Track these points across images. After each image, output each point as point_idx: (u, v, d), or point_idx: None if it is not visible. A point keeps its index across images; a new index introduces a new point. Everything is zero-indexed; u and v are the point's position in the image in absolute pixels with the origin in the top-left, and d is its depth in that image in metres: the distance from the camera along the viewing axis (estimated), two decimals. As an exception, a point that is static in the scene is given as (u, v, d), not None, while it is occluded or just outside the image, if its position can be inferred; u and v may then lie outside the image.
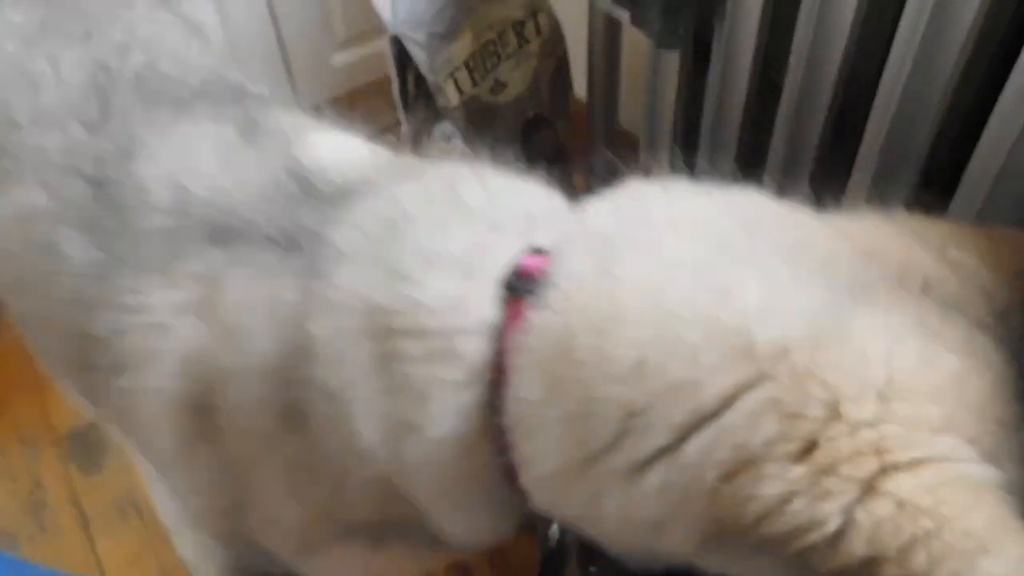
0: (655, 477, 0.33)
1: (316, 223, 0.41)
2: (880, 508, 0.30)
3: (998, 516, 0.30)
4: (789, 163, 0.68)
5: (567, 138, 1.04)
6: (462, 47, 0.90)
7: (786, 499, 0.31)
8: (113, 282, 0.44)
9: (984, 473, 0.30)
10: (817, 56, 0.62)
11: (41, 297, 0.49)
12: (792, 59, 0.64)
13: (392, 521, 0.44)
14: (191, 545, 0.59)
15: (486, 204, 0.41)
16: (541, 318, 0.36)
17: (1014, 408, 0.33)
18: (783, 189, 0.40)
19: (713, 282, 0.34)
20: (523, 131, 0.98)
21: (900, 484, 0.30)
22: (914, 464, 0.30)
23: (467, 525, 0.43)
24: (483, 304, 0.37)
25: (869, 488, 0.30)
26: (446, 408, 0.37)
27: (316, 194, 0.43)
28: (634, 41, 0.89)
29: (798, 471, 0.31)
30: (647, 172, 0.41)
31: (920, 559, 0.29)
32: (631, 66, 0.94)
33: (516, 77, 0.95)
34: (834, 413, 0.31)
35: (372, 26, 1.05)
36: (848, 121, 0.64)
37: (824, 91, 0.63)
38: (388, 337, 0.38)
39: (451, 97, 0.90)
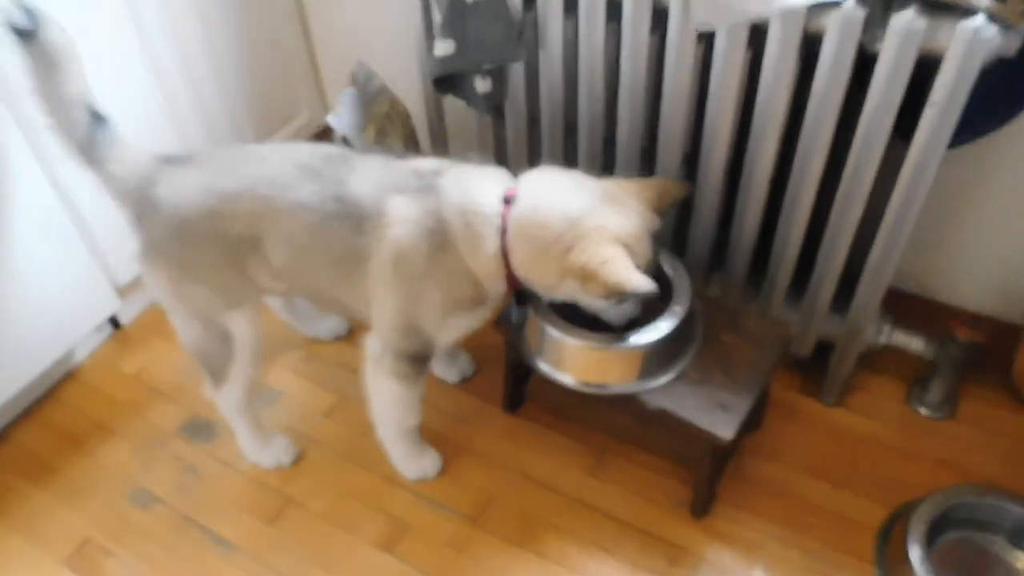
0: (554, 262, 1.18)
1: (431, 182, 1.20)
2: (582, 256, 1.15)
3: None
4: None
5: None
6: (370, 133, 1.68)
7: (572, 260, 1.16)
8: (360, 225, 1.20)
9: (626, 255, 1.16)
10: (555, 101, 1.52)
11: (324, 254, 1.22)
12: (544, 112, 1.54)
13: (473, 295, 1.25)
14: (379, 348, 1.32)
15: (482, 171, 1.24)
16: (515, 209, 1.20)
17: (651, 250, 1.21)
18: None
19: (564, 199, 1.20)
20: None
21: (590, 251, 1.15)
22: (599, 246, 1.15)
23: (498, 289, 1.25)
24: (497, 205, 1.20)
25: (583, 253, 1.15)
26: (490, 240, 1.19)
27: (423, 176, 1.23)
28: (452, 110, 1.74)
29: (574, 253, 1.14)
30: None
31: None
32: (450, 128, 1.79)
33: (395, 140, 1.75)
34: (583, 236, 1.15)
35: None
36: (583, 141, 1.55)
37: (557, 122, 1.53)
38: (469, 216, 1.19)
39: (370, 161, 1.69)
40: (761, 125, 1.28)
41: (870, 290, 1.38)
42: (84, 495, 1.55)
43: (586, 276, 1.14)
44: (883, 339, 1.48)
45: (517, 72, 1.47)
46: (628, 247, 1.14)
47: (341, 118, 1.59)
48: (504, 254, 1.19)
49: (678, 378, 1.31)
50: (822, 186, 1.32)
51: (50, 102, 1.15)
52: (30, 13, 1.09)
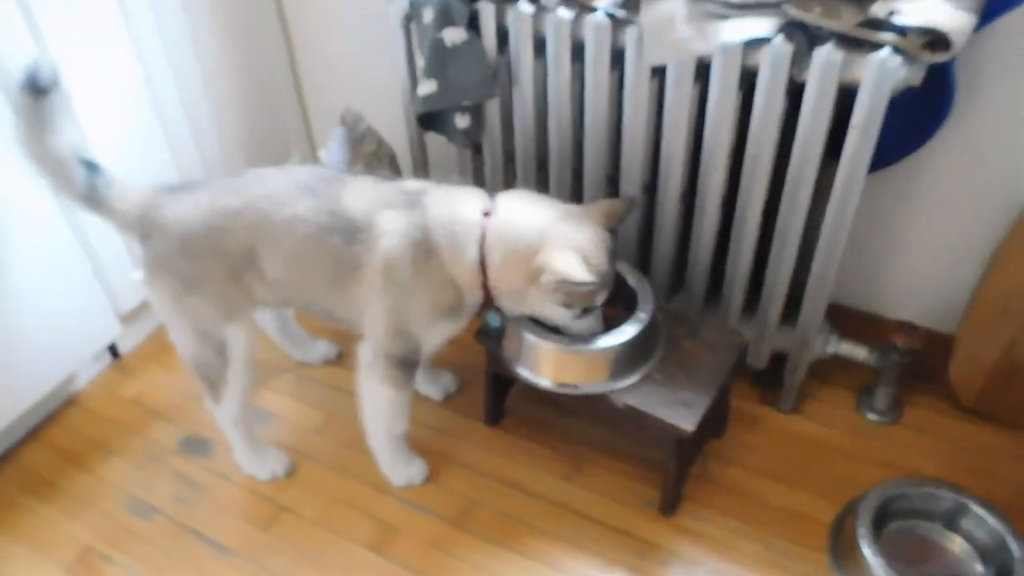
0: (523, 267, 1.32)
1: (417, 199, 1.34)
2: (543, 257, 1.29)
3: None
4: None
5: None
6: (358, 170, 1.83)
7: (535, 263, 1.29)
8: (353, 237, 1.32)
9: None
10: (527, 135, 1.68)
11: (318, 264, 1.34)
12: (517, 145, 1.70)
13: (453, 302, 1.37)
14: (372, 354, 1.43)
15: (463, 190, 1.38)
16: (493, 222, 1.33)
17: (608, 260, 1.34)
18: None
19: (534, 214, 1.34)
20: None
21: (550, 253, 1.29)
22: (557, 249, 1.28)
23: (475, 298, 1.38)
24: (477, 219, 1.33)
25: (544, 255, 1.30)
26: (470, 250, 1.32)
27: (410, 194, 1.36)
28: (434, 150, 1.89)
29: (538, 257, 1.28)
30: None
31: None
32: (433, 166, 1.95)
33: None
34: (546, 243, 1.28)
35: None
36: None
37: (531, 154, 1.69)
38: (452, 227, 1.32)
39: (359, 194, 1.83)
40: (710, 153, 1.44)
41: (814, 304, 1.53)
42: (85, 507, 1.63)
43: (542, 272, 1.28)
44: (831, 349, 1.62)
45: (493, 109, 1.63)
46: (583, 254, 1.29)
47: (332, 154, 1.74)
48: (482, 264, 1.33)
49: (644, 379, 1.43)
50: (767, 208, 1.47)
51: (44, 163, 1.22)
52: (53, 72, 1.17)
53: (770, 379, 1.70)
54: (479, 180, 1.79)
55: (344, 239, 1.34)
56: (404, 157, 1.93)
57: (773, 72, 1.27)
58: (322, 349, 1.92)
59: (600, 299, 1.37)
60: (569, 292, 1.30)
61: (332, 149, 1.72)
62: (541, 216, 1.32)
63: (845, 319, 1.67)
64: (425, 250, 1.33)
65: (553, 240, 1.29)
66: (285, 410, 1.83)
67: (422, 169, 1.92)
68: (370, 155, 1.88)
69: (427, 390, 1.79)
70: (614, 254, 1.36)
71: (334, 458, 1.70)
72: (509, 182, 1.75)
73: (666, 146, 1.47)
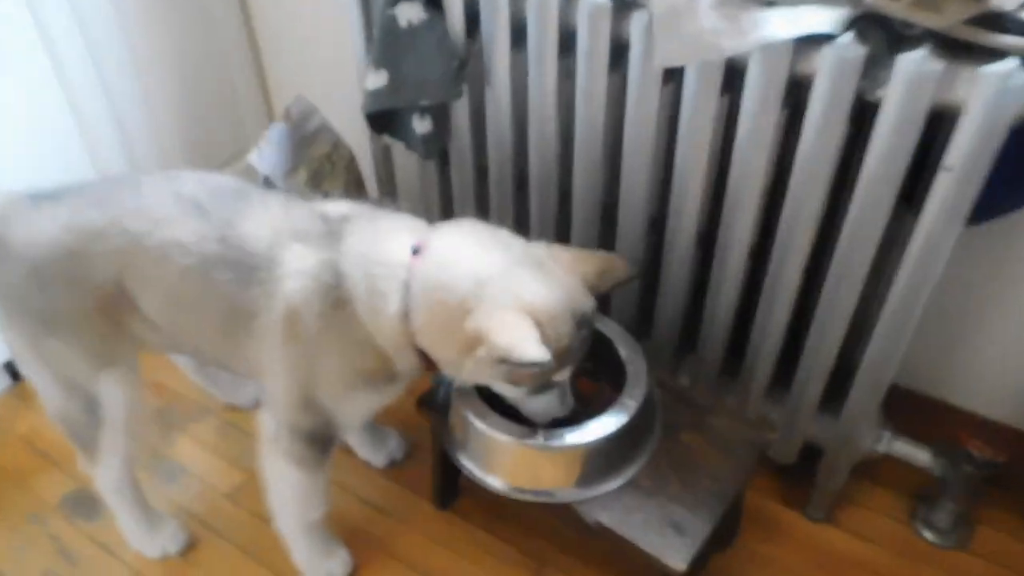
0: (455, 330, 0.95)
1: (337, 228, 0.99)
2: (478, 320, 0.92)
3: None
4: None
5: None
6: (301, 176, 1.48)
7: (468, 326, 0.92)
8: (248, 276, 0.98)
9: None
10: (501, 154, 1.32)
11: (203, 306, 1.01)
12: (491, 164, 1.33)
13: (374, 367, 1.02)
14: (274, 425, 1.10)
15: (395, 219, 1.03)
16: (421, 263, 0.96)
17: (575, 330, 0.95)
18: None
19: (477, 256, 0.96)
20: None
21: (488, 315, 0.92)
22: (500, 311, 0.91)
23: (408, 363, 1.02)
24: (403, 258, 0.97)
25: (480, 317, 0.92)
26: (392, 299, 0.95)
27: (330, 222, 1.01)
28: (403, 153, 1.54)
29: (472, 318, 0.91)
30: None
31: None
32: (401, 175, 1.59)
33: (334, 187, 1.55)
34: (486, 299, 0.91)
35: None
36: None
37: (510, 172, 1.33)
38: (370, 268, 0.96)
39: (301, 206, 1.48)
40: (739, 185, 1.06)
41: (867, 390, 1.15)
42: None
43: (477, 343, 0.92)
44: (882, 447, 1.24)
45: (462, 112, 1.27)
46: (538, 321, 0.92)
47: (264, 157, 1.39)
48: (409, 318, 0.97)
49: (626, 486, 1.07)
50: (812, 261, 1.10)
51: None
52: None
53: (798, 473, 1.33)
54: (447, 200, 1.42)
55: (237, 277, 1.00)
56: (368, 166, 1.57)
57: (835, 85, 0.89)
58: (252, 389, 1.57)
59: (561, 376, 1.01)
60: (516, 371, 0.94)
61: (265, 152, 1.38)
62: (488, 260, 0.96)
63: (903, 406, 1.28)
64: (337, 299, 0.98)
65: (495, 296, 0.93)
66: (199, 466, 1.50)
67: (387, 182, 1.56)
68: (321, 158, 1.53)
69: (367, 454, 1.45)
70: (587, 323, 0.99)
71: (245, 534, 1.37)
72: (482, 205, 1.38)
73: (680, 172, 1.11)
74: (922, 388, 1.36)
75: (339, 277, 0.98)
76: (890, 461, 1.27)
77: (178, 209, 1.02)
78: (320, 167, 1.52)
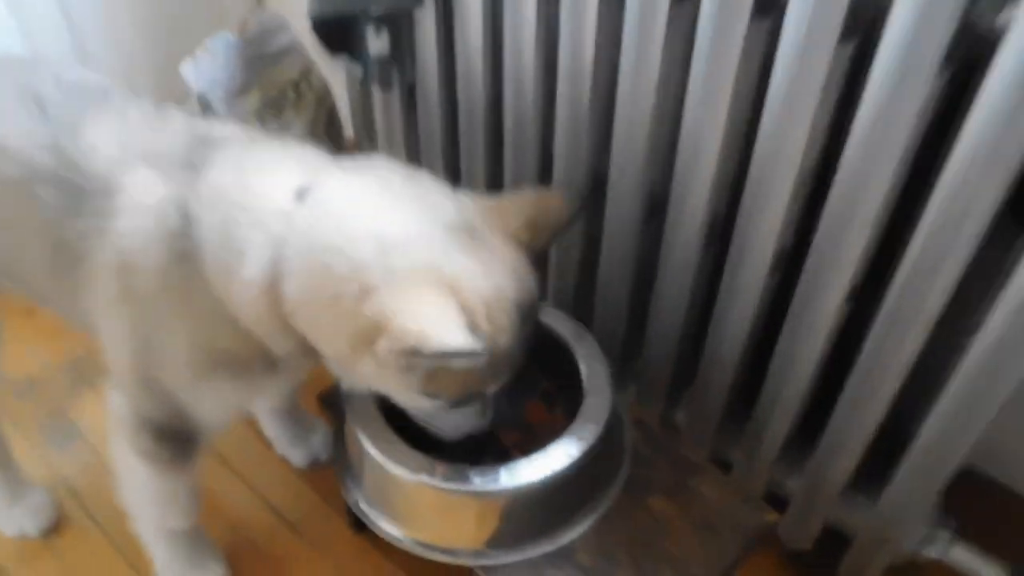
0: (344, 314, 0.66)
1: (205, 154, 0.73)
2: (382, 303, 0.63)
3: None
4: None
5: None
6: (252, 101, 1.22)
7: (366, 311, 0.64)
8: (79, 203, 0.72)
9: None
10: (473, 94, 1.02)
11: (25, 230, 0.77)
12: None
13: (235, 347, 0.74)
14: (119, 401, 0.84)
15: (282, 149, 0.75)
16: (302, 213, 0.68)
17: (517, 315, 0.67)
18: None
19: (384, 211, 0.68)
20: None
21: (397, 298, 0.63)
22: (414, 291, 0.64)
23: (282, 345, 0.74)
24: (280, 203, 0.69)
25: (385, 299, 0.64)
26: (253, 258, 0.68)
27: (204, 144, 0.74)
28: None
29: (373, 299, 0.63)
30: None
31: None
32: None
33: (297, 123, 1.28)
34: (394, 276, 0.64)
35: (182, 91, 1.32)
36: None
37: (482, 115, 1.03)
38: (228, 212, 0.69)
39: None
40: (770, 159, 0.74)
41: (922, 470, 0.82)
42: None
43: (377, 333, 0.64)
44: (934, 551, 0.90)
45: (427, 36, 0.98)
46: (467, 306, 0.64)
47: (201, 72, 1.13)
48: (280, 287, 0.69)
49: (556, 557, 0.76)
50: (864, 282, 0.77)
51: None
52: None
53: (813, 565, 1.00)
54: (413, 151, 1.14)
55: (67, 203, 0.75)
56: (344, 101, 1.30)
57: (920, 13, 0.56)
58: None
59: (493, 387, 0.71)
60: (432, 372, 0.65)
61: (203, 64, 1.11)
62: (397, 216, 0.68)
63: (974, 498, 0.94)
64: (181, 251, 0.71)
65: (406, 269, 0.65)
66: (98, 433, 1.26)
67: (364, 120, 1.29)
68: (286, 84, 1.26)
69: (284, 449, 1.19)
70: (532, 318, 0.70)
71: (120, 525, 1.11)
72: (452, 162, 1.09)
73: (688, 134, 0.79)
74: (1005, 479, 1.00)
75: (188, 220, 0.71)
76: (943, 571, 0.93)
77: (17, 103, 0.78)
78: (282, 94, 1.26)
